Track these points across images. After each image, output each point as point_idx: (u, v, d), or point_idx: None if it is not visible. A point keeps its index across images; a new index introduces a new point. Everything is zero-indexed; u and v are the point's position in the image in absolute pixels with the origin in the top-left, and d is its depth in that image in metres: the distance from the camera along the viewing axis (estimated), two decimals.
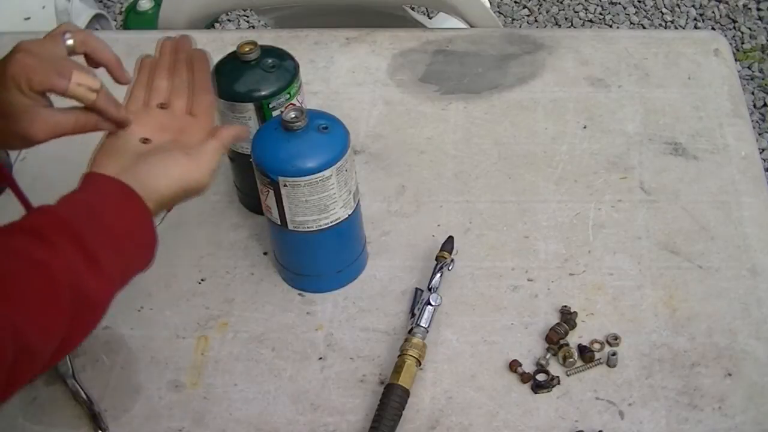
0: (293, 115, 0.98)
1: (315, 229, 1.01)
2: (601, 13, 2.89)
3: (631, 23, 2.85)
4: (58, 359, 0.79)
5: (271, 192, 0.99)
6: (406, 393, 0.95)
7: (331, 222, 1.01)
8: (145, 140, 0.90)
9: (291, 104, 1.07)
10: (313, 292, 1.07)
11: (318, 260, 1.06)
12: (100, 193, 0.84)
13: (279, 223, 1.02)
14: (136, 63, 0.97)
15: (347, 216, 1.02)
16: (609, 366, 0.98)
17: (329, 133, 0.98)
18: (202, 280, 1.10)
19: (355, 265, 1.08)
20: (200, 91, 0.95)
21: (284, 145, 0.98)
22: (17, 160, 1.21)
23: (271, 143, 0.99)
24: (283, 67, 1.08)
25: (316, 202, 0.99)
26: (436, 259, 1.05)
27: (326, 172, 0.97)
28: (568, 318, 1.02)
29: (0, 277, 0.73)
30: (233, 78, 1.07)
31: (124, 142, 0.90)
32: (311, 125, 0.98)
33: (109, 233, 0.81)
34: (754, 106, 2.59)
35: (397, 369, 0.96)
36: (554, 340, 1.00)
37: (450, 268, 1.05)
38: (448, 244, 1.07)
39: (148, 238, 0.85)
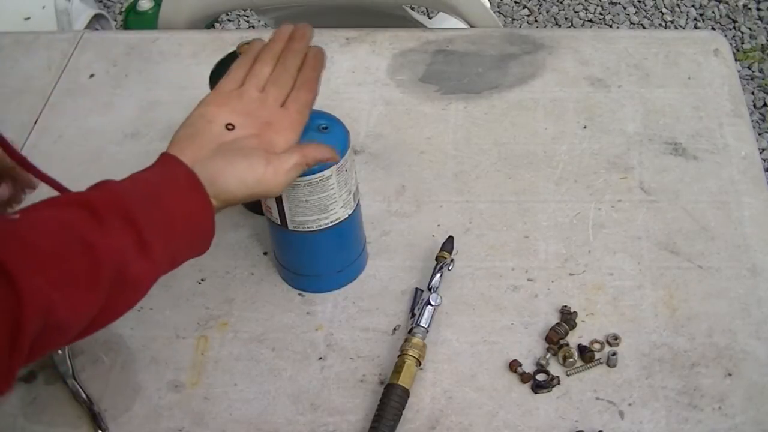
0: None
1: (315, 229, 1.01)
2: (601, 13, 2.89)
3: (631, 23, 2.85)
4: (87, 335, 0.78)
5: None
6: (406, 393, 0.95)
7: (331, 222, 1.01)
8: (230, 126, 0.89)
9: None
10: (313, 292, 1.07)
11: (318, 260, 1.06)
12: (167, 178, 0.83)
13: (279, 223, 1.01)
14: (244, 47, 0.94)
15: (347, 216, 1.02)
16: (609, 366, 0.98)
17: (329, 133, 0.98)
18: (202, 280, 1.10)
19: (355, 265, 1.08)
20: (303, 86, 0.93)
21: None
22: None
23: None
24: None
25: (316, 202, 0.99)
26: (436, 259, 1.05)
27: (326, 172, 0.97)
28: (568, 318, 1.02)
29: (45, 251, 0.73)
30: None
31: (207, 124, 0.89)
32: (311, 125, 0.98)
33: (165, 219, 0.80)
34: (754, 106, 2.59)
35: (397, 369, 0.96)
36: (554, 340, 1.00)
37: (450, 268, 1.05)
38: (448, 244, 1.07)
39: (205, 230, 0.84)
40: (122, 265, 0.76)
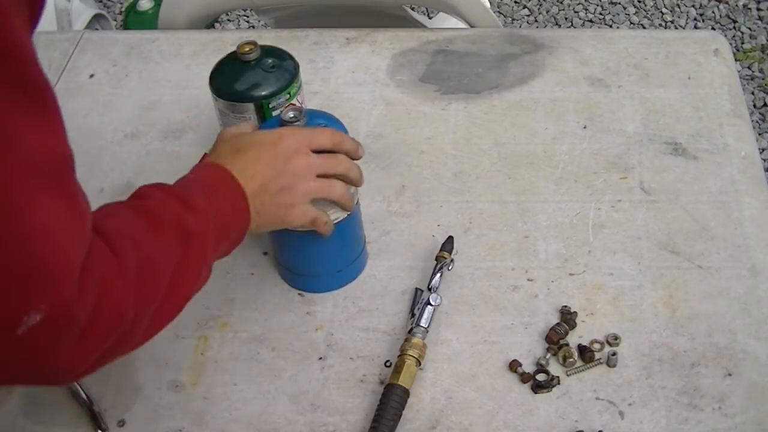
0: (292, 115, 0.98)
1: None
2: (601, 13, 2.89)
3: (631, 23, 2.85)
4: (149, 334, 0.81)
5: None
6: (406, 393, 0.95)
7: (331, 221, 1.01)
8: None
9: (291, 104, 1.07)
10: (313, 292, 1.07)
11: (318, 260, 1.06)
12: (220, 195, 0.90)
13: None
14: None
15: (347, 215, 1.02)
16: (609, 366, 0.98)
17: None
18: None
19: (355, 265, 1.08)
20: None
21: None
22: None
23: None
24: (283, 67, 1.08)
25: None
26: (436, 259, 1.05)
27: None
28: (568, 318, 1.02)
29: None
30: (233, 78, 1.07)
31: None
32: (310, 124, 0.98)
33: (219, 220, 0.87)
34: (754, 106, 2.59)
35: (397, 369, 0.96)
36: (554, 340, 1.00)
37: (450, 268, 1.05)
38: (448, 244, 1.07)
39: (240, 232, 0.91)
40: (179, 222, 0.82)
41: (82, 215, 0.70)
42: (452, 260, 1.06)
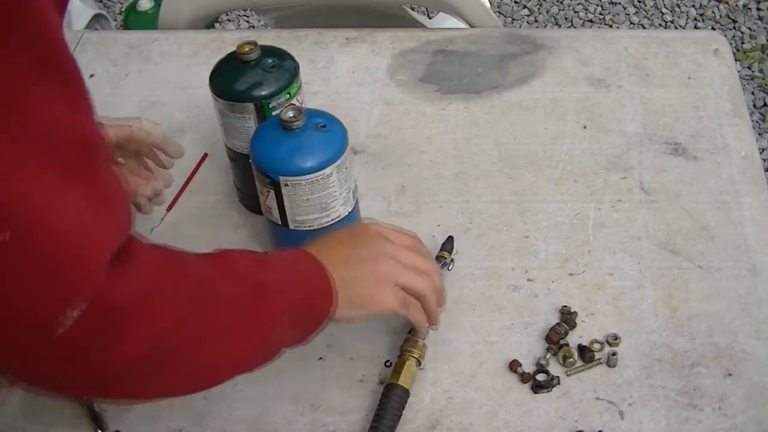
0: (292, 115, 0.98)
1: (316, 227, 1.01)
2: (601, 13, 2.89)
3: (631, 23, 2.85)
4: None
5: (272, 192, 0.99)
6: (406, 393, 0.95)
7: (332, 220, 1.01)
8: None
9: (291, 104, 1.07)
10: None
11: None
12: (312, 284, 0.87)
13: (279, 222, 1.01)
14: None
15: (347, 213, 1.02)
16: (609, 366, 0.98)
17: (328, 131, 0.99)
18: None
19: None
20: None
21: (284, 145, 0.98)
22: None
23: (270, 143, 0.99)
24: (283, 67, 1.08)
25: (317, 200, 0.99)
26: (436, 259, 1.05)
27: (327, 170, 0.97)
28: (568, 318, 1.02)
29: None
30: (233, 78, 1.07)
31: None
32: (310, 124, 0.98)
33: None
34: (754, 106, 2.59)
35: (397, 369, 0.96)
36: (554, 340, 1.00)
37: (450, 268, 1.05)
38: (448, 244, 1.07)
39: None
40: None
41: (105, 204, 0.65)
42: (452, 260, 1.06)
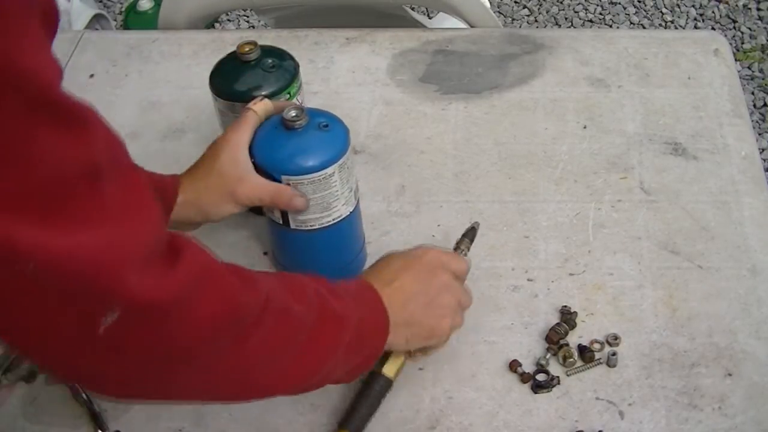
0: (294, 114, 0.98)
1: (317, 227, 1.01)
2: (601, 13, 2.89)
3: (631, 23, 2.85)
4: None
5: None
6: (388, 382, 0.93)
7: (333, 220, 1.01)
8: None
9: (293, 104, 1.07)
10: None
11: (319, 259, 1.06)
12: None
13: (281, 222, 1.01)
14: None
15: (349, 213, 1.02)
16: (609, 366, 0.98)
17: (330, 131, 0.98)
18: None
19: (353, 264, 1.08)
20: None
21: (286, 144, 0.98)
22: None
23: (272, 143, 0.99)
24: (283, 67, 1.08)
25: (319, 200, 0.99)
26: (455, 248, 1.02)
27: (329, 170, 0.97)
28: (568, 318, 1.02)
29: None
30: (233, 78, 1.07)
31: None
32: (312, 123, 0.98)
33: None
34: (754, 106, 2.59)
35: (384, 357, 0.94)
36: (554, 340, 1.00)
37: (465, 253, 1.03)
38: (471, 233, 1.04)
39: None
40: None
41: (122, 215, 0.66)
42: (466, 249, 1.03)
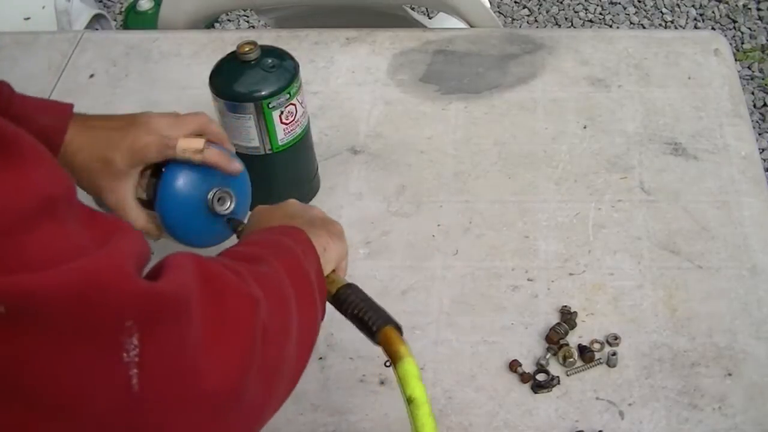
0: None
1: None
2: (601, 13, 2.89)
3: (631, 23, 2.85)
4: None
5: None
6: (351, 286, 0.85)
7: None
8: None
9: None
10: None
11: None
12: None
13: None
14: None
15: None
16: (609, 366, 0.98)
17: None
18: None
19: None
20: None
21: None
22: None
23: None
24: (283, 67, 1.08)
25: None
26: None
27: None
28: (568, 318, 1.02)
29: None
30: (233, 78, 1.07)
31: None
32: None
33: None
34: (754, 106, 2.59)
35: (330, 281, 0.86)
36: (554, 340, 1.00)
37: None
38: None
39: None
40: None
41: (100, 236, 0.62)
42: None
